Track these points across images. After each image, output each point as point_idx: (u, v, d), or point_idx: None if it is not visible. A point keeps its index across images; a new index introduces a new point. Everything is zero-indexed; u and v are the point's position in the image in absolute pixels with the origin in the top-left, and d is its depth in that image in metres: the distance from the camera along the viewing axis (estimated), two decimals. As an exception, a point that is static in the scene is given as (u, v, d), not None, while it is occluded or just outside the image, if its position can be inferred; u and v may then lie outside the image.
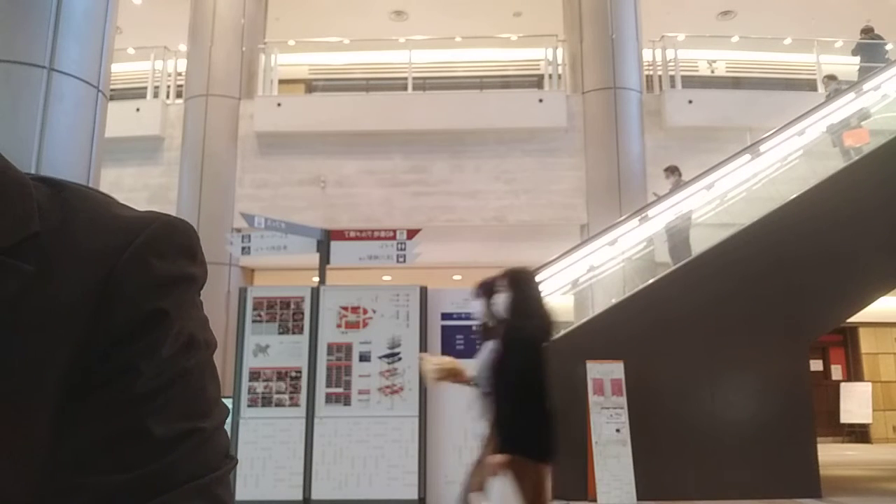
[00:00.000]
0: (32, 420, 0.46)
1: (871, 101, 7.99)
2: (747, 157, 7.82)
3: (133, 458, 0.46)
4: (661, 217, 7.81)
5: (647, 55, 10.76)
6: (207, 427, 0.50)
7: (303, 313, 5.86)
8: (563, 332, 6.83)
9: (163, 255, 0.51)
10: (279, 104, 10.31)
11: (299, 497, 5.48)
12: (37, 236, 0.49)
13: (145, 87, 10.88)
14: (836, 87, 8.32)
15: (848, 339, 13.27)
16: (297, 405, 5.66)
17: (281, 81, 11.25)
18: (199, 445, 0.49)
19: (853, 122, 7.86)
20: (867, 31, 10.40)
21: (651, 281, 6.90)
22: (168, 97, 10.95)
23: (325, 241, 6.31)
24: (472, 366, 3.69)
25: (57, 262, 0.48)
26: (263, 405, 5.67)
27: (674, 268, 6.98)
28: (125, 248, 0.50)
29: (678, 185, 8.01)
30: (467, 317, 5.91)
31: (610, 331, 6.54)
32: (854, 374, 13.16)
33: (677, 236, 7.85)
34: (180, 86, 10.93)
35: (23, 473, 0.46)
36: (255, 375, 5.74)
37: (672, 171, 8.43)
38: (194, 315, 0.53)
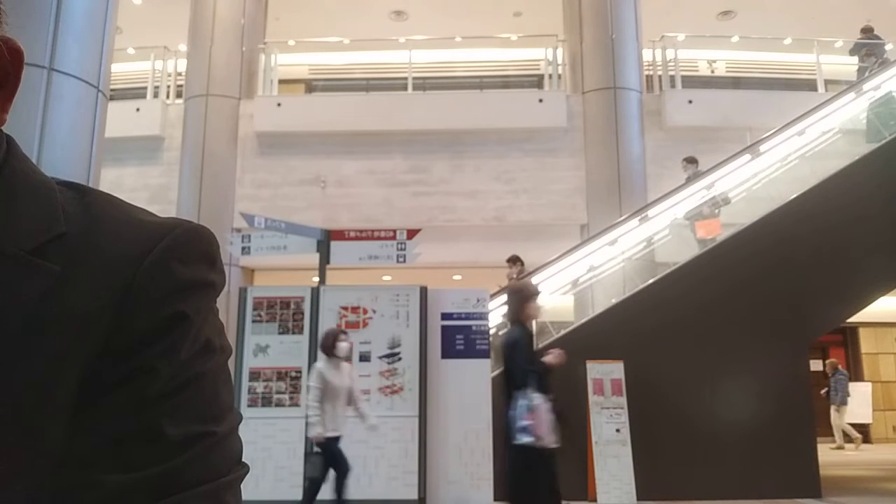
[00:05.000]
0: (50, 419, 0.47)
1: (729, 186, 7.95)
2: (747, 156, 7.83)
3: (144, 457, 0.47)
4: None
5: (647, 55, 10.76)
6: (219, 431, 0.51)
7: (303, 313, 5.87)
8: (563, 332, 6.84)
9: (184, 261, 0.52)
10: (279, 104, 10.31)
11: (299, 497, 5.48)
12: (62, 237, 0.50)
13: (145, 87, 10.87)
14: (694, 170, 8.20)
15: (848, 339, 13.27)
16: (297, 405, 5.67)
17: (281, 81, 11.25)
18: (211, 449, 0.50)
19: (706, 212, 7.85)
20: (867, 31, 10.39)
21: (651, 281, 6.91)
22: (168, 97, 10.95)
23: (325, 241, 6.31)
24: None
25: (81, 265, 0.49)
26: (263, 405, 5.68)
27: (674, 268, 6.98)
28: (148, 253, 0.51)
29: (522, 274, 7.92)
30: (467, 317, 5.91)
31: (610, 331, 6.54)
32: (854, 374, 13.16)
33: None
34: (180, 86, 10.93)
35: (37, 471, 0.46)
36: (255, 375, 5.74)
37: (514, 261, 8.27)
38: (211, 321, 0.54)
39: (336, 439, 4.93)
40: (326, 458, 4.90)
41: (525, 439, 3.79)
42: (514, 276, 7.94)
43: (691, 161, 8.31)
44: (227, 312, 6.89)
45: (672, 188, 8.07)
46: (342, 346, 5.03)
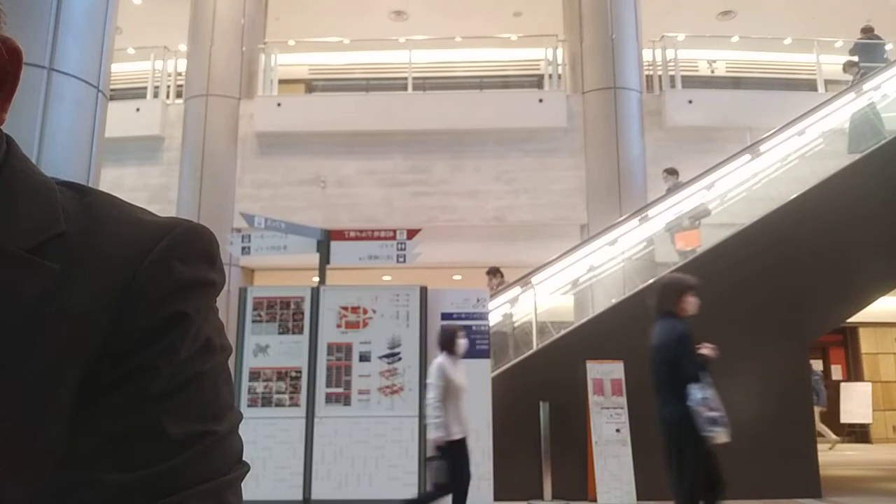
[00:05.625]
0: (51, 418, 0.47)
1: (710, 197, 7.99)
2: (747, 157, 7.83)
3: (145, 456, 0.47)
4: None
5: (647, 55, 10.76)
6: (220, 430, 0.51)
7: (303, 313, 5.86)
8: (563, 332, 6.84)
9: (185, 260, 0.52)
10: (279, 104, 10.31)
11: (299, 497, 5.48)
12: (62, 236, 0.50)
13: (145, 87, 10.88)
14: (675, 181, 8.19)
15: (848, 339, 13.27)
16: (297, 405, 5.67)
17: (281, 81, 11.25)
18: (211, 448, 0.50)
19: (685, 223, 7.87)
20: (867, 31, 10.39)
21: (651, 281, 6.90)
22: (168, 97, 10.95)
23: (325, 241, 6.31)
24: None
25: (81, 265, 0.49)
26: (263, 405, 5.67)
27: (673, 268, 6.97)
28: (148, 252, 0.51)
29: (502, 285, 7.80)
30: (467, 317, 5.91)
31: (610, 331, 6.53)
32: (854, 374, 13.16)
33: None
34: (180, 86, 10.93)
35: (38, 471, 0.46)
36: (254, 375, 5.74)
37: (494, 272, 8.15)
38: (211, 320, 0.54)
39: (462, 442, 4.69)
40: (451, 461, 4.62)
41: (716, 430, 3.73)
42: (495, 286, 7.90)
43: (672, 172, 8.34)
44: (227, 312, 6.89)
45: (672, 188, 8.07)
46: (462, 343, 4.85)
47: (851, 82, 8.69)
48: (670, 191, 8.05)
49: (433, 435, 4.62)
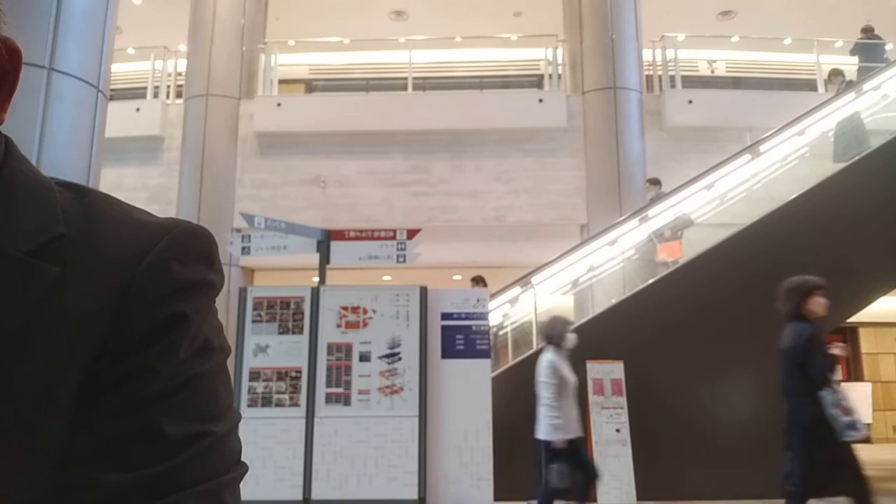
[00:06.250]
0: (50, 419, 0.47)
1: (695, 206, 7.97)
2: (747, 157, 7.83)
3: (143, 456, 0.47)
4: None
5: (647, 55, 10.76)
6: (218, 431, 0.51)
7: (303, 313, 5.86)
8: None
9: (183, 261, 0.52)
10: (279, 104, 10.31)
11: (299, 497, 5.48)
12: (62, 238, 0.50)
13: (145, 87, 10.88)
14: (657, 191, 8.19)
15: (848, 339, 13.26)
16: (297, 405, 5.67)
17: (281, 81, 11.25)
18: (210, 448, 0.50)
19: (667, 234, 7.86)
20: (867, 31, 10.39)
21: (651, 281, 6.90)
22: (168, 97, 10.95)
23: (325, 241, 6.31)
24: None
25: (80, 266, 0.50)
26: (263, 405, 5.67)
27: (673, 268, 6.98)
28: (147, 253, 0.51)
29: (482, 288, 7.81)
30: (467, 317, 5.91)
31: (610, 331, 6.54)
32: (854, 374, 13.16)
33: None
34: (180, 86, 10.94)
35: (37, 471, 0.46)
36: (254, 375, 5.74)
37: (478, 281, 8.04)
38: (210, 320, 0.54)
39: (578, 442, 4.46)
40: (570, 463, 4.35)
41: (854, 434, 3.75)
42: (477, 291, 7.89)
43: (654, 182, 8.35)
44: (227, 312, 6.90)
45: (672, 188, 8.07)
46: (570, 337, 4.59)
47: (837, 92, 8.63)
48: (653, 201, 8.06)
49: (550, 436, 4.32)
